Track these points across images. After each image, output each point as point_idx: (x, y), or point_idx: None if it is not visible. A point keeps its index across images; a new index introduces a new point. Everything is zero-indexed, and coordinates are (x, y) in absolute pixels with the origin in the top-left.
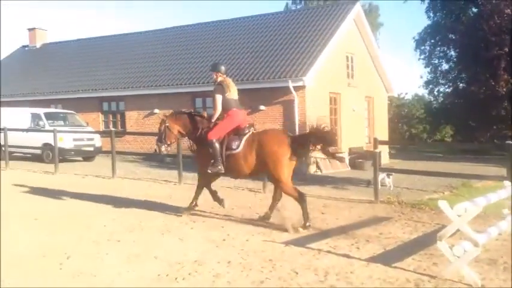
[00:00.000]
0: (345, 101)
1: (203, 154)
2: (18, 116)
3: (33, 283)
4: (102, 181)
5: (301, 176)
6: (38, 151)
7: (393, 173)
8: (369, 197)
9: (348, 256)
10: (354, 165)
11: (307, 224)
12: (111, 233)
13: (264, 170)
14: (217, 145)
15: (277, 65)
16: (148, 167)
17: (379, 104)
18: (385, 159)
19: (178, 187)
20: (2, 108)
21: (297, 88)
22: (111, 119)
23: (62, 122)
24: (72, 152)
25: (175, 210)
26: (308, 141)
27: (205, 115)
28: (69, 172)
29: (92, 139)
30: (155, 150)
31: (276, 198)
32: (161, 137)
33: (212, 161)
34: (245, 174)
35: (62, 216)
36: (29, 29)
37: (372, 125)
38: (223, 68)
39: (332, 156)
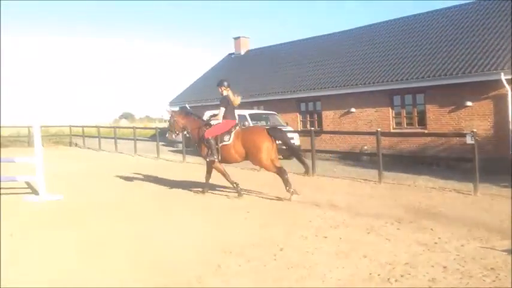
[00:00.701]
0: None
1: (203, 147)
2: None
3: (254, 268)
4: (303, 179)
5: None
6: None
7: None
8: None
9: None
10: None
11: (288, 187)
12: (317, 229)
13: (248, 156)
14: (212, 141)
15: (486, 57)
16: (345, 166)
17: None
18: None
19: (378, 186)
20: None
21: (510, 81)
22: (308, 118)
23: (264, 122)
24: None
25: (377, 210)
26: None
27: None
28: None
29: (291, 138)
30: (167, 136)
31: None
32: (172, 127)
33: (209, 152)
34: (236, 160)
35: (270, 210)
36: (235, 38)
37: None
38: (226, 83)
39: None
